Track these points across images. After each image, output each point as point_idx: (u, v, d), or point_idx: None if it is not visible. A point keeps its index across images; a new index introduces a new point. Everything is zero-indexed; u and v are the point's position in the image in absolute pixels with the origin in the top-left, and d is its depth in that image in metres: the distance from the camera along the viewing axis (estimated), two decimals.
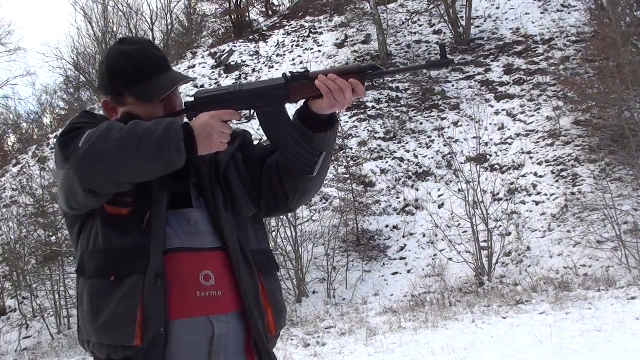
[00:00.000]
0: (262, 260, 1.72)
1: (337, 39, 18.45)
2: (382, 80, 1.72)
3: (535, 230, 10.62)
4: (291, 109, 1.67)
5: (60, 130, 1.66)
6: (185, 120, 1.65)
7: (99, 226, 1.60)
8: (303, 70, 1.69)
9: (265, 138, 1.73)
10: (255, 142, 1.86)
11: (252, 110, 1.68)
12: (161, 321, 1.52)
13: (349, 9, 19.50)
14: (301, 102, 1.70)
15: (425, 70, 9.75)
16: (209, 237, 1.65)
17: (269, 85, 1.67)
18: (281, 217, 10.05)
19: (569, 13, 16.65)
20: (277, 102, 1.66)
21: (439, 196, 12.07)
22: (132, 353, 1.52)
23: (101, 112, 1.80)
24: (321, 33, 19.15)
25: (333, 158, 13.24)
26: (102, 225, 1.60)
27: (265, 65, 18.08)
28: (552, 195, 11.22)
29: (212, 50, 20.12)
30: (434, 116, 14.33)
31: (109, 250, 1.58)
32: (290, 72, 1.65)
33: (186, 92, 16.81)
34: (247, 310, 1.62)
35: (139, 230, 1.58)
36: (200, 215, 1.67)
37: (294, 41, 19.08)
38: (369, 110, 14.92)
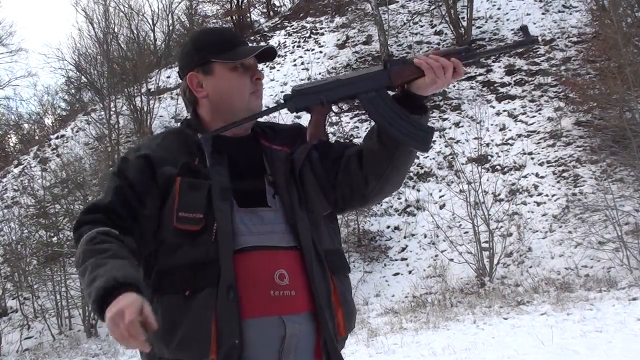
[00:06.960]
0: (334, 261, 1.70)
1: (338, 40, 18.45)
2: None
3: (537, 231, 10.61)
4: None
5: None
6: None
7: (169, 243, 1.60)
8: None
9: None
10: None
11: (355, 98, 1.70)
12: (235, 334, 1.51)
13: (350, 9, 19.48)
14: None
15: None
16: (283, 236, 1.63)
17: (368, 72, 1.71)
18: None
19: (570, 14, 16.64)
20: (380, 86, 1.69)
21: (440, 197, 12.07)
22: None
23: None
24: (322, 34, 19.16)
25: None
26: (173, 241, 1.60)
27: (267, 66, 18.07)
28: (553, 196, 11.21)
29: None
30: (435, 117, 14.32)
31: (181, 265, 1.57)
32: (386, 59, 1.71)
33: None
34: (318, 310, 1.60)
35: (208, 243, 1.57)
36: (275, 214, 1.65)
37: (295, 42, 19.08)
38: None
